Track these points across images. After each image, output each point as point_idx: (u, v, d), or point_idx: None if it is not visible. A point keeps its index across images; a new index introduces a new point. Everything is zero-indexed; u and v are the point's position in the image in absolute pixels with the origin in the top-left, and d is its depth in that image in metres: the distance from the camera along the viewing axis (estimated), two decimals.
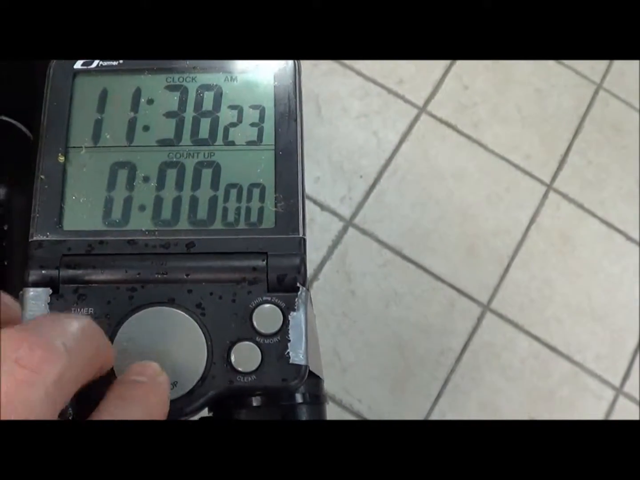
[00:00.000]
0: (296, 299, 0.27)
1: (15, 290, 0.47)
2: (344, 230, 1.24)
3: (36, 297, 0.27)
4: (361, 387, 1.16)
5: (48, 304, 0.27)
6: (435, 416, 1.16)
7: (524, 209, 1.32)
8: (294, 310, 0.27)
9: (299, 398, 0.28)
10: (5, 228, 0.49)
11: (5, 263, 0.49)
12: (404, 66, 1.35)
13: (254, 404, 0.28)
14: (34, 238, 0.28)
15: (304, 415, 0.28)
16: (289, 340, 0.27)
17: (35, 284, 0.28)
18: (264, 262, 0.27)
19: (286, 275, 0.27)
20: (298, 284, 0.27)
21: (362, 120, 1.31)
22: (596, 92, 1.40)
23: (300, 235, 0.28)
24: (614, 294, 1.30)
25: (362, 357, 1.17)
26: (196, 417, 0.29)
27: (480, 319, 1.23)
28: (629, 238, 1.33)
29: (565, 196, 1.34)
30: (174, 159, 0.29)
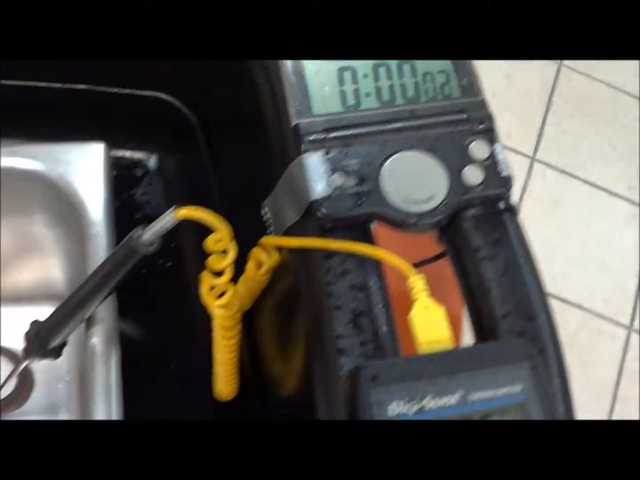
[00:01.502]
0: (493, 134, 0.38)
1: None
2: None
3: (314, 158, 0.37)
4: None
5: (326, 159, 0.37)
6: None
7: (514, 181, 1.45)
8: (494, 142, 0.38)
9: (502, 205, 0.39)
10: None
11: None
12: None
13: (475, 212, 0.38)
14: (295, 122, 0.38)
15: (510, 223, 0.39)
16: (498, 160, 0.38)
17: (307, 150, 0.37)
18: (466, 116, 0.38)
19: (483, 122, 0.38)
20: (492, 127, 0.39)
21: None
22: (558, 70, 1.56)
23: (481, 98, 0.39)
24: (607, 244, 1.43)
25: None
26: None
27: None
28: (611, 193, 1.47)
29: (548, 165, 1.48)
30: (382, 62, 0.40)
